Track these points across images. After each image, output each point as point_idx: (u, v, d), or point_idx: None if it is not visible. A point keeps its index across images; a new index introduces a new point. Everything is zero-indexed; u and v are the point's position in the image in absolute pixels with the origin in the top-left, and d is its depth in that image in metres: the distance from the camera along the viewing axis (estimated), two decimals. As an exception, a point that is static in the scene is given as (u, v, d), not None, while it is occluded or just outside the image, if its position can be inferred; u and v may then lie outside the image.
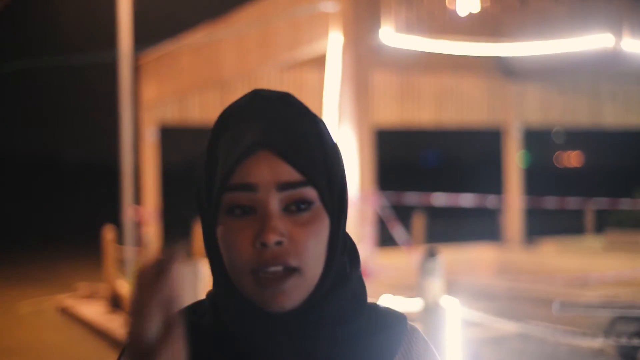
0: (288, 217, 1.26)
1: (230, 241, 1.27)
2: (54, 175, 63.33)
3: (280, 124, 1.29)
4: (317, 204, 1.28)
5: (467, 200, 15.56)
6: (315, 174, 1.28)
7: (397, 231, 10.96)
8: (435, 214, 21.31)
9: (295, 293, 1.27)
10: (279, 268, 1.25)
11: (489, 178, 24.88)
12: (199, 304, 1.40)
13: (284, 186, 1.26)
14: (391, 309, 1.40)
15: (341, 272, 1.33)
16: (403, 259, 13.30)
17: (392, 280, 11.89)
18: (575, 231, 20.83)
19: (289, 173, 1.26)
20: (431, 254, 6.01)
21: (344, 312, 1.33)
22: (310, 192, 1.27)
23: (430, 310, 6.00)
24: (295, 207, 1.27)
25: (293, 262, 1.25)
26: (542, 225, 22.56)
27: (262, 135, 1.27)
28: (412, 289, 10.15)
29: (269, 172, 1.26)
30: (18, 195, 53.79)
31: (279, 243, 1.25)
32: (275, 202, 1.26)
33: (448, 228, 24.04)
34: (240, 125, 1.31)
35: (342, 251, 1.34)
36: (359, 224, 9.81)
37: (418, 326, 1.44)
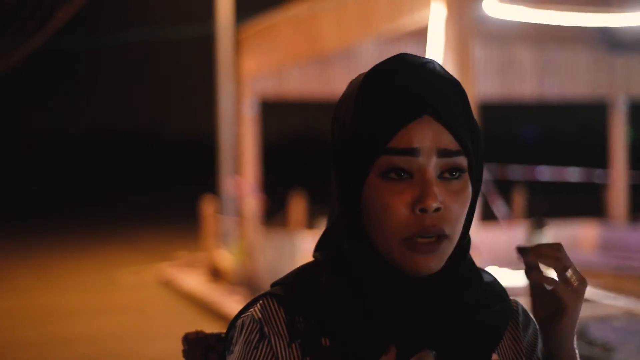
0: (442, 184, 1.28)
1: (385, 204, 1.27)
2: (154, 150, 64.57)
3: (438, 91, 1.29)
4: (466, 173, 1.30)
5: (573, 174, 15.20)
6: (469, 144, 1.29)
7: (498, 205, 10.79)
8: (534, 189, 20.94)
9: (444, 256, 1.28)
10: (432, 237, 1.26)
11: (592, 153, 24.31)
12: (310, 267, 1.39)
13: (443, 153, 1.27)
14: (495, 280, 1.42)
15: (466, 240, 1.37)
16: (503, 234, 13.09)
17: (493, 255, 11.72)
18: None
19: (449, 140, 1.27)
20: (538, 226, 5.88)
21: (467, 277, 1.35)
22: (463, 161, 1.29)
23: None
24: (449, 175, 1.28)
25: (447, 230, 1.27)
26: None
27: (425, 100, 1.27)
28: (511, 264, 9.97)
29: (431, 138, 1.26)
30: (118, 170, 55.02)
31: (437, 209, 1.26)
32: (433, 168, 1.27)
33: (548, 203, 23.60)
34: (397, 88, 1.29)
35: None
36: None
37: (523, 300, 1.46)
